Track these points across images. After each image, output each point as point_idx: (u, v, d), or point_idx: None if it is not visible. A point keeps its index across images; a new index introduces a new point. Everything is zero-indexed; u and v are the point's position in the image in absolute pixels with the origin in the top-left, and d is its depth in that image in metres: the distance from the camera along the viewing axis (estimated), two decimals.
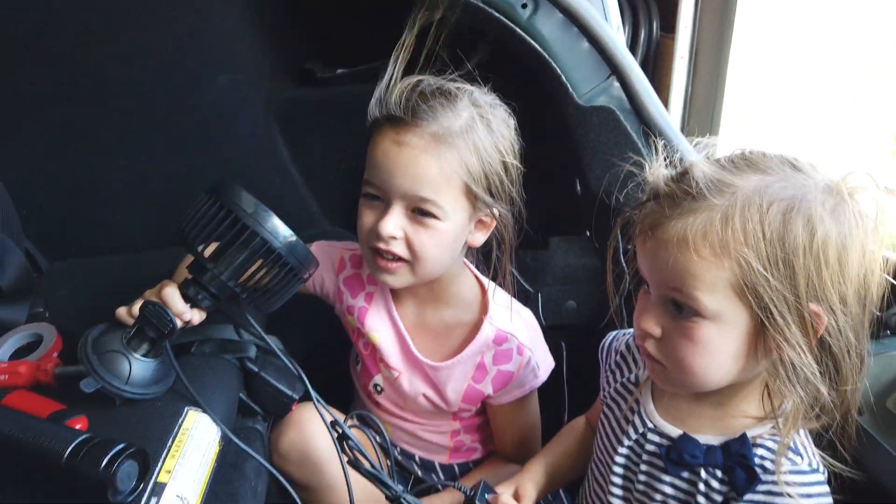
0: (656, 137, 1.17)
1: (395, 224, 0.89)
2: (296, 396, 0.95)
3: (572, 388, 1.25)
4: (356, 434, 0.84)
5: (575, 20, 1.18)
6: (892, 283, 0.74)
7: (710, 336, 0.67)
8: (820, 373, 0.67)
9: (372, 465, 0.83)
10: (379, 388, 1.08)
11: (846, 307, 0.66)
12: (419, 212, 0.89)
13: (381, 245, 0.91)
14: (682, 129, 1.57)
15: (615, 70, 1.22)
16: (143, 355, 0.80)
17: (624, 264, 0.90)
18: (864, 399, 0.76)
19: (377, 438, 0.88)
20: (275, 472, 0.83)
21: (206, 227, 0.81)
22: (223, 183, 0.82)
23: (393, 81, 0.92)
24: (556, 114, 1.15)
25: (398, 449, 1.12)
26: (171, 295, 0.82)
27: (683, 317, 0.68)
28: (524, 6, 1.16)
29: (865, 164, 0.70)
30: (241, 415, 0.95)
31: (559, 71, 1.17)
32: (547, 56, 1.13)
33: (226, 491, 0.81)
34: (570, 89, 1.17)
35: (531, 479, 0.92)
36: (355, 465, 0.84)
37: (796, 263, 0.64)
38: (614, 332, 0.96)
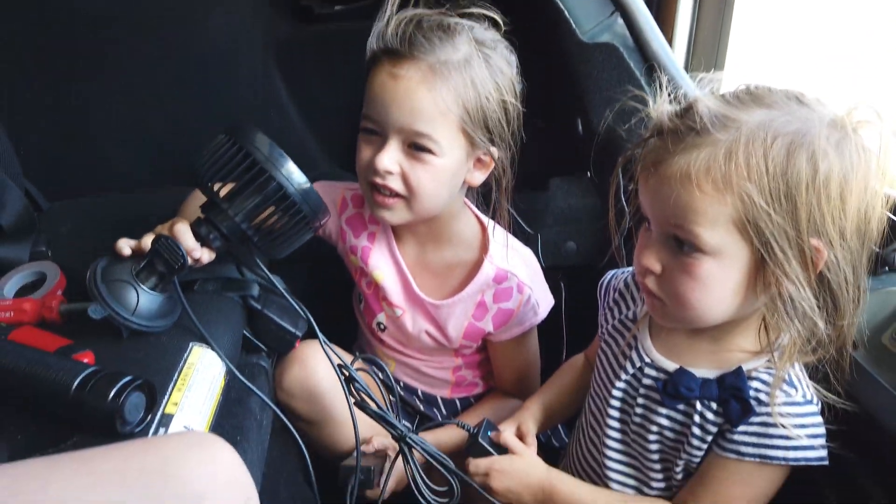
0: (660, 73, 1.15)
1: (391, 158, 0.89)
2: (299, 334, 0.96)
3: (571, 326, 1.26)
4: (361, 375, 0.86)
5: None
6: (892, 220, 0.74)
7: (711, 271, 0.68)
8: (818, 307, 0.68)
9: (378, 406, 0.85)
10: (382, 327, 1.09)
11: (846, 242, 0.66)
12: (415, 146, 0.89)
13: (378, 180, 0.90)
14: (687, 67, 1.54)
15: (619, 6, 1.19)
16: (151, 288, 0.80)
17: (625, 203, 0.90)
18: (860, 334, 0.77)
19: (380, 375, 0.90)
20: (275, 408, 0.85)
21: (222, 168, 0.81)
22: (242, 125, 0.82)
23: (391, 14, 0.90)
24: (558, 51, 1.13)
25: (401, 384, 1.14)
26: (183, 232, 0.82)
27: (684, 253, 0.68)
28: None
29: (871, 96, 0.70)
30: (246, 351, 0.96)
31: (563, 6, 1.15)
32: None
33: (231, 424, 0.83)
34: (574, 25, 1.15)
35: (531, 416, 0.95)
36: (362, 406, 0.86)
37: (798, 198, 0.64)
38: (613, 271, 0.96)
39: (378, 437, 0.99)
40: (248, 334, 0.92)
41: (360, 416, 0.86)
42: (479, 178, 0.97)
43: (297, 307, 0.91)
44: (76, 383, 0.67)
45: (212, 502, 0.58)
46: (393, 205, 0.93)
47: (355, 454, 0.93)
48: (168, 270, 0.80)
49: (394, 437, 0.87)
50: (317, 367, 0.99)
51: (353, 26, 1.25)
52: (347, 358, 1.11)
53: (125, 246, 0.83)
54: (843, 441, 0.74)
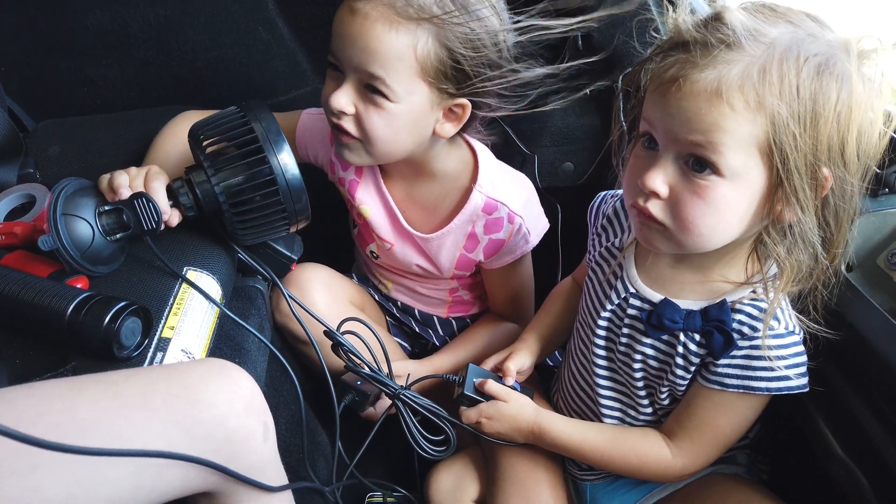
0: None
1: (346, 98, 0.85)
2: (294, 257, 0.96)
3: (567, 247, 1.26)
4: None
5: None
6: (894, 139, 0.73)
7: (724, 195, 0.65)
8: (820, 234, 0.68)
9: (370, 369, 0.86)
10: (375, 255, 1.09)
11: (850, 167, 0.65)
12: (370, 88, 0.84)
13: (334, 119, 0.87)
14: None
15: None
16: (108, 234, 0.79)
17: (623, 121, 0.86)
18: (856, 255, 0.77)
19: (374, 332, 0.90)
20: (265, 341, 0.87)
21: (223, 134, 0.81)
22: (258, 104, 0.84)
23: None
24: None
25: (398, 304, 1.16)
26: (158, 191, 0.80)
27: (699, 175, 0.65)
28: None
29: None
30: (242, 274, 0.96)
31: None
32: None
33: (230, 346, 0.84)
34: None
35: (527, 349, 0.95)
36: (353, 369, 0.87)
37: (822, 122, 0.62)
38: (603, 193, 0.95)
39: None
40: (243, 257, 0.91)
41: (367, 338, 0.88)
42: (449, 129, 0.91)
43: (263, 271, 0.93)
44: (71, 308, 0.68)
45: (232, 425, 0.60)
46: (351, 144, 0.89)
47: (349, 376, 0.95)
48: (138, 230, 0.79)
49: (388, 395, 0.88)
50: (313, 289, 1.00)
51: None
52: (344, 280, 1.12)
53: (106, 186, 0.81)
54: (831, 364, 0.76)
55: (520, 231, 0.99)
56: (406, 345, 1.19)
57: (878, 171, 0.75)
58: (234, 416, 0.60)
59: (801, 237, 0.68)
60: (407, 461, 1.01)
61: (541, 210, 1.05)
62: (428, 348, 1.18)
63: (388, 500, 1.08)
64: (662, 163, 0.68)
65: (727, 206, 0.66)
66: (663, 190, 0.68)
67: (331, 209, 1.18)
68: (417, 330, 1.16)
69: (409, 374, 0.93)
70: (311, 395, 1.02)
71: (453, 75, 0.86)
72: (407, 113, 0.86)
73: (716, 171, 0.64)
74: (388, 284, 1.14)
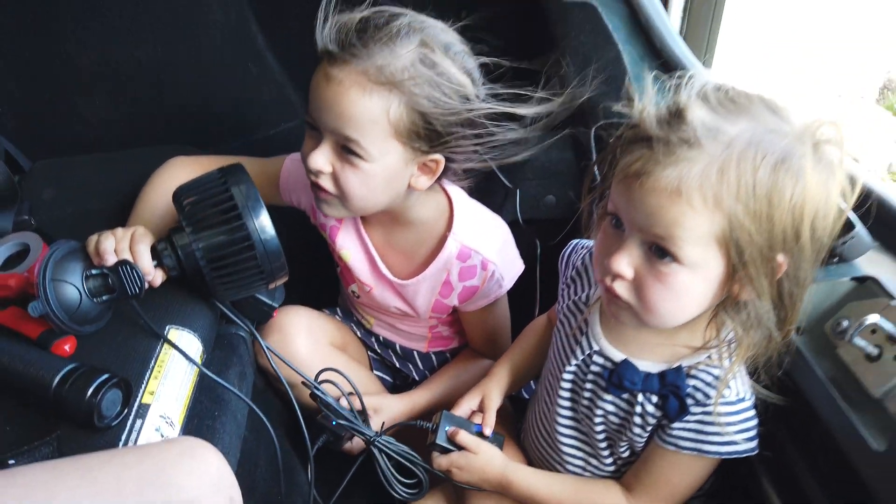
0: (645, 32, 1.12)
1: (323, 158, 0.88)
2: (275, 305, 1.00)
3: (546, 279, 1.30)
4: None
5: None
6: (847, 217, 0.76)
7: (684, 282, 0.69)
8: (773, 313, 0.71)
9: (347, 418, 0.91)
10: (357, 294, 1.13)
11: (804, 254, 0.68)
12: (346, 149, 0.88)
13: (312, 177, 0.91)
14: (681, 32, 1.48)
15: None
16: (95, 296, 0.83)
17: (596, 172, 0.88)
18: (805, 320, 0.80)
19: (351, 382, 0.95)
20: (242, 396, 0.91)
21: (203, 197, 0.86)
22: (238, 169, 0.87)
23: (327, 13, 0.87)
24: (537, 12, 1.09)
25: (380, 338, 1.20)
26: (142, 254, 0.84)
27: (661, 262, 0.69)
28: None
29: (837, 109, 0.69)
30: (226, 321, 1.01)
31: None
32: None
33: (210, 398, 0.89)
34: None
35: (497, 385, 0.99)
36: (330, 414, 0.92)
37: (777, 218, 0.65)
38: (575, 242, 0.98)
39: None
40: (225, 310, 0.96)
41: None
42: (424, 182, 0.94)
43: (244, 324, 0.98)
44: (56, 381, 0.73)
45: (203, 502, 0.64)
46: (329, 199, 0.93)
47: (324, 414, 1.00)
48: (122, 295, 0.83)
49: (365, 441, 0.93)
50: (295, 335, 1.04)
51: None
52: (326, 320, 1.17)
53: (93, 249, 0.85)
54: (781, 427, 0.79)
55: (493, 277, 1.03)
56: (388, 378, 1.24)
57: (828, 241, 0.78)
58: (203, 497, 0.64)
59: (756, 318, 0.71)
60: (383, 497, 1.06)
61: (515, 254, 1.09)
62: (409, 382, 1.22)
63: None
64: (628, 246, 0.71)
65: (686, 292, 0.70)
66: (628, 273, 0.71)
67: (314, 247, 1.22)
68: (398, 365, 1.20)
69: (382, 424, 0.97)
70: (294, 432, 1.07)
71: (426, 134, 0.89)
72: (382, 171, 0.90)
73: (676, 259, 0.68)
74: (370, 320, 1.18)
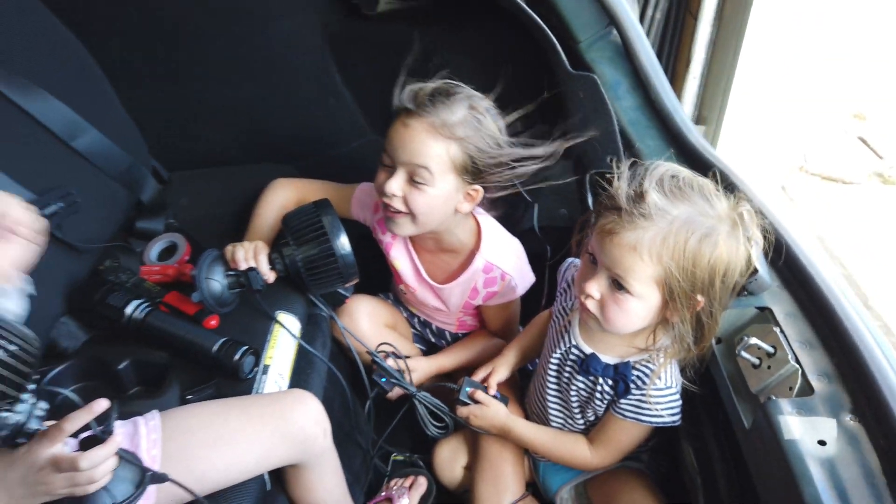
0: (646, 88, 1.42)
1: (398, 185, 1.22)
2: (347, 295, 1.39)
3: (553, 277, 1.64)
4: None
5: None
6: (754, 265, 1.08)
7: (633, 306, 1.03)
8: (691, 332, 1.05)
9: (393, 376, 1.30)
10: (403, 291, 1.51)
11: (716, 294, 1.01)
12: (415, 177, 1.21)
13: (386, 200, 1.25)
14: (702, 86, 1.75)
15: (612, 19, 1.45)
16: (231, 289, 1.23)
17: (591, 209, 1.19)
18: (724, 334, 1.14)
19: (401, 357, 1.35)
20: (325, 360, 1.30)
21: (302, 222, 1.23)
22: (325, 202, 1.25)
23: (405, 80, 1.21)
24: (550, 78, 1.41)
25: (421, 318, 1.58)
26: (262, 262, 1.23)
27: (618, 291, 1.02)
28: None
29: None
30: (313, 306, 1.40)
31: (564, 14, 1.42)
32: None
33: (305, 360, 1.28)
34: (574, 32, 1.42)
35: (506, 362, 1.36)
36: (384, 373, 1.30)
37: (697, 272, 0.98)
38: (570, 260, 1.31)
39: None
40: (314, 299, 1.35)
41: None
42: (466, 207, 1.29)
43: (325, 308, 1.36)
44: (215, 348, 1.13)
45: (306, 432, 1.04)
46: (399, 219, 1.27)
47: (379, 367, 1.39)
48: (248, 289, 1.22)
49: (408, 396, 1.31)
50: (360, 317, 1.43)
51: (394, 26, 1.56)
52: (382, 305, 1.55)
53: (230, 254, 1.24)
54: (699, 407, 1.15)
55: (509, 285, 1.39)
56: (424, 348, 1.62)
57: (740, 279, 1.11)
58: (308, 427, 1.04)
59: (680, 335, 1.06)
60: (421, 435, 1.46)
61: (528, 268, 1.43)
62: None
63: (407, 458, 1.54)
64: (598, 277, 1.05)
65: (634, 313, 1.04)
66: (596, 295, 1.05)
67: (377, 250, 1.59)
68: (433, 340, 1.59)
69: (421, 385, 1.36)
70: (357, 385, 1.47)
71: (472, 170, 1.23)
72: (440, 194, 1.24)
73: (628, 291, 1.01)
74: (413, 309, 1.56)
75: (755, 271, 1.11)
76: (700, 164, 1.32)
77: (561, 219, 1.67)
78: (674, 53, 2.86)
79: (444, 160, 1.20)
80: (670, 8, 2.77)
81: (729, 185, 1.11)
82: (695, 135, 1.42)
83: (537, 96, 1.43)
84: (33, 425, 0.71)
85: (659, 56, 2.91)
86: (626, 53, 1.49)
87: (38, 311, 1.12)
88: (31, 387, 0.70)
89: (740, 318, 1.16)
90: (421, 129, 1.19)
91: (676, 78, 2.87)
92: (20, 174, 1.15)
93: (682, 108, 1.49)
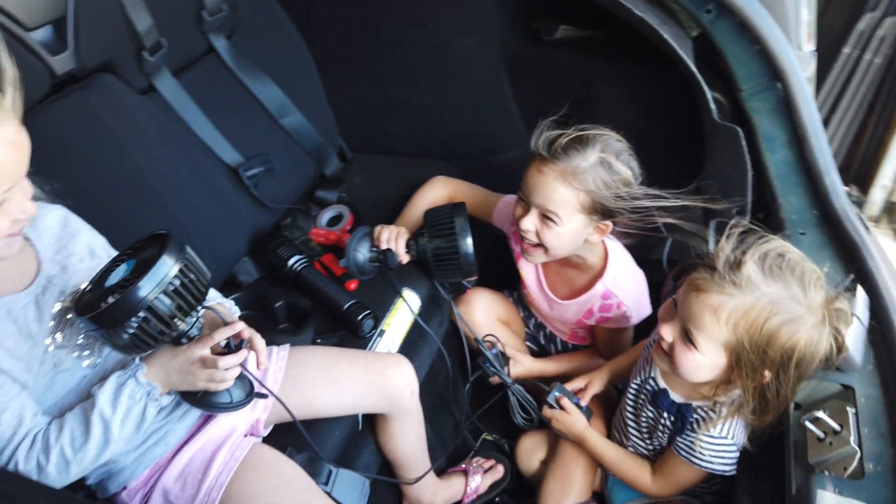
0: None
1: (531, 223, 1.35)
2: (469, 286, 1.58)
3: None
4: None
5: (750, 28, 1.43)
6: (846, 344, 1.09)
7: (699, 359, 1.10)
8: (750, 403, 1.09)
9: (495, 364, 1.47)
10: (526, 295, 1.66)
11: (785, 379, 1.05)
12: (546, 217, 1.34)
13: (521, 233, 1.39)
14: None
15: (780, 76, 1.47)
16: (371, 262, 1.46)
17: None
18: (804, 401, 1.16)
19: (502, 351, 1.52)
20: (435, 338, 1.50)
21: (438, 218, 1.44)
22: (461, 206, 1.44)
23: (543, 129, 1.32)
24: (696, 124, 1.47)
25: (536, 320, 1.72)
26: (401, 245, 1.46)
27: (688, 343, 1.10)
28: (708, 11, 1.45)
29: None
30: (436, 291, 1.61)
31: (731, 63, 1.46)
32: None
33: (418, 333, 1.50)
34: (738, 81, 1.46)
35: (601, 377, 1.47)
36: (486, 359, 1.48)
37: (769, 353, 1.03)
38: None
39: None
40: (437, 285, 1.56)
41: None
42: (596, 238, 1.37)
43: (446, 295, 1.55)
44: (346, 306, 1.38)
45: (396, 389, 1.25)
46: (533, 251, 1.40)
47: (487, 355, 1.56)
48: (385, 265, 1.45)
49: (503, 385, 1.49)
50: (476, 308, 1.60)
51: (565, 54, 1.70)
52: (501, 301, 1.72)
53: (378, 234, 1.48)
54: (763, 460, 1.18)
55: (624, 315, 1.47)
56: (534, 348, 1.76)
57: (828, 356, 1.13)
58: (398, 384, 1.25)
59: (738, 401, 1.11)
60: (511, 423, 1.61)
61: (647, 300, 1.50)
62: (545, 356, 1.74)
63: (496, 440, 1.70)
64: (674, 324, 1.13)
65: (699, 366, 1.11)
66: (669, 338, 1.13)
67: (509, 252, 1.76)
68: (543, 342, 1.72)
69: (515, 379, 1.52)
70: (461, 365, 1.65)
71: (601, 209, 1.32)
72: (569, 232, 1.35)
73: (695, 347, 1.09)
74: (534, 311, 1.71)
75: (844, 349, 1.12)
76: (838, 231, 1.33)
77: (691, 256, 1.71)
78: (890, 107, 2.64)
79: (572, 204, 1.30)
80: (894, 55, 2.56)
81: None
82: (842, 200, 1.40)
83: (678, 138, 1.49)
84: (194, 332, 0.98)
85: (870, 109, 2.70)
86: (787, 108, 1.49)
87: (229, 249, 1.47)
88: (200, 308, 0.97)
89: (823, 390, 1.16)
90: (553, 176, 1.29)
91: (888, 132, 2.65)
92: (234, 139, 1.49)
93: (836, 170, 1.47)
